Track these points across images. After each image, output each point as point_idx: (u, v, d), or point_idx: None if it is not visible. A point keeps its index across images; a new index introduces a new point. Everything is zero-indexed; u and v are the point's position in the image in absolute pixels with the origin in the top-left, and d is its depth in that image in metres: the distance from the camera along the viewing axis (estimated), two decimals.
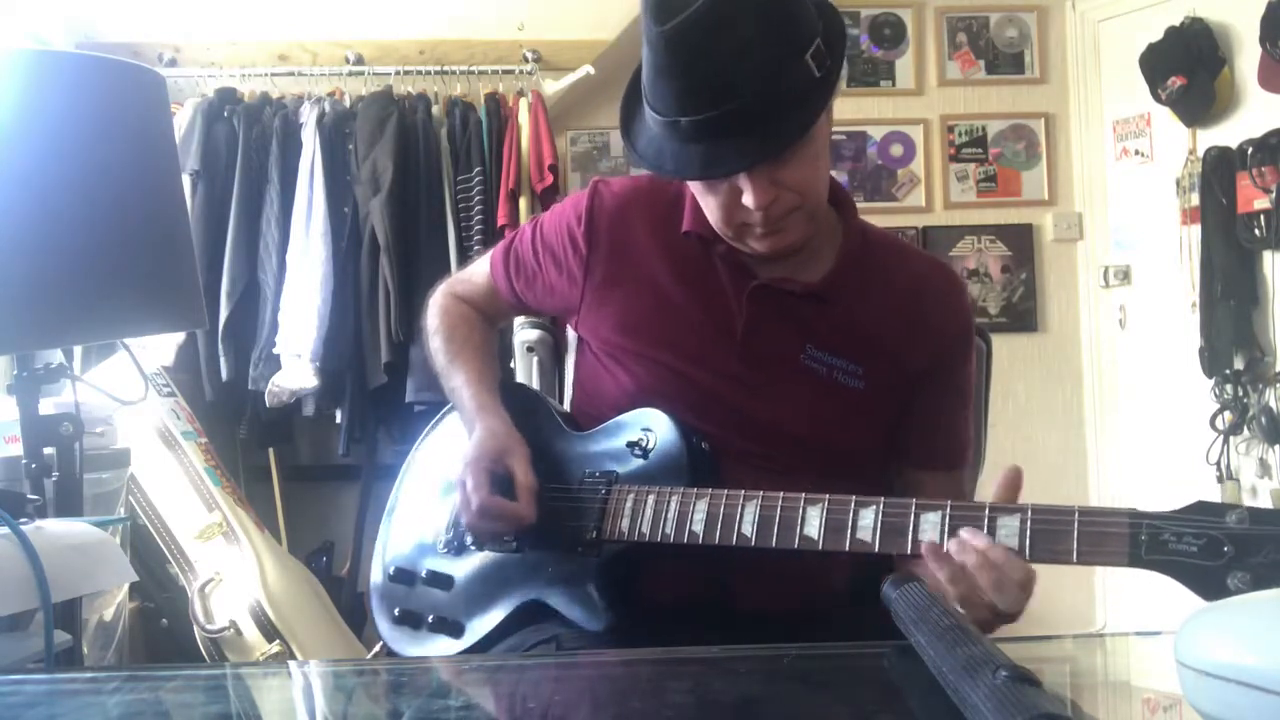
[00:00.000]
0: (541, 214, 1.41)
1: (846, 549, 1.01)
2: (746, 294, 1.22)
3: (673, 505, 1.11)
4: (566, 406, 1.45)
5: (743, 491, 1.07)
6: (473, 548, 1.26)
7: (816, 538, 1.02)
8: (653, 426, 1.19)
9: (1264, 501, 3.27)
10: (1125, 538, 0.86)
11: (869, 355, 1.22)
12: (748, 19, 1.04)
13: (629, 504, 1.15)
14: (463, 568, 1.27)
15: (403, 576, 1.32)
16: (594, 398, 1.32)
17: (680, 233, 1.26)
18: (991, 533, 0.93)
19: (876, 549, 0.99)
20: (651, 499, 1.13)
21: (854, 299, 1.24)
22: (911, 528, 0.97)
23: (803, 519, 1.03)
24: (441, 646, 1.24)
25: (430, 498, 1.36)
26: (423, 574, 1.29)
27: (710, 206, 1.17)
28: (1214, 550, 0.82)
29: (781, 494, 1.05)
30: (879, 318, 1.24)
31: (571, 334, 1.44)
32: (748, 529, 1.06)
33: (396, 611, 1.29)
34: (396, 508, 1.41)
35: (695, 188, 1.19)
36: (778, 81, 1.05)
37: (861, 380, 1.21)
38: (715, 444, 1.19)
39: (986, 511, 0.94)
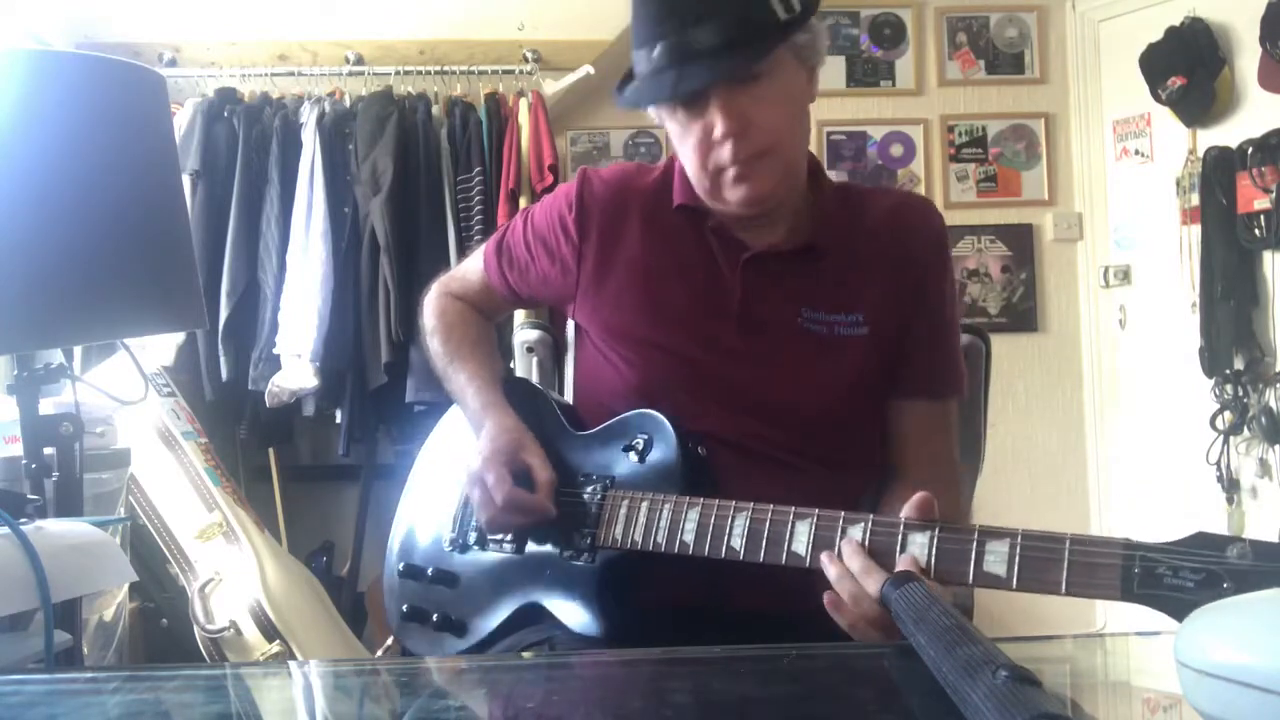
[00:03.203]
0: (531, 206, 1.42)
1: None
2: (741, 264, 1.25)
3: (665, 514, 1.11)
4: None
5: (734, 503, 1.07)
6: (476, 547, 1.27)
7: (804, 554, 1.01)
8: (650, 430, 1.19)
9: (1265, 503, 3.27)
10: (1117, 569, 0.82)
11: (867, 300, 1.25)
12: None
13: (623, 510, 1.15)
14: (466, 567, 1.28)
15: (412, 572, 1.33)
16: (596, 389, 1.32)
17: (670, 212, 1.28)
18: (979, 557, 0.91)
19: None
20: (645, 506, 1.13)
21: (842, 248, 1.27)
22: (899, 547, 0.95)
23: (791, 534, 1.02)
24: (447, 644, 1.25)
25: (438, 495, 1.37)
26: (430, 571, 1.30)
27: (687, 153, 1.20)
28: (1212, 585, 0.77)
29: (771, 507, 1.04)
30: (868, 259, 1.27)
31: (571, 328, 1.44)
32: (736, 542, 1.05)
33: (405, 607, 1.31)
34: (409, 501, 1.42)
35: (675, 137, 1.22)
36: (741, 12, 1.13)
37: (864, 326, 1.24)
38: (717, 427, 1.20)
39: (975, 534, 0.92)
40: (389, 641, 2.74)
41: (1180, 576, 0.79)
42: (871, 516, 0.99)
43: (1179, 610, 0.78)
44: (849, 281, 1.25)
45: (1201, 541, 0.79)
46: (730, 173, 1.18)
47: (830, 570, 0.97)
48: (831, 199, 1.30)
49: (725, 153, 1.16)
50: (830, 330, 1.23)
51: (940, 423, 1.17)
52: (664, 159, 1.33)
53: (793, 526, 1.02)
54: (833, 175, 1.39)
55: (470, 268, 1.47)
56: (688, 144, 1.20)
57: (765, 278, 1.25)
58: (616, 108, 1.26)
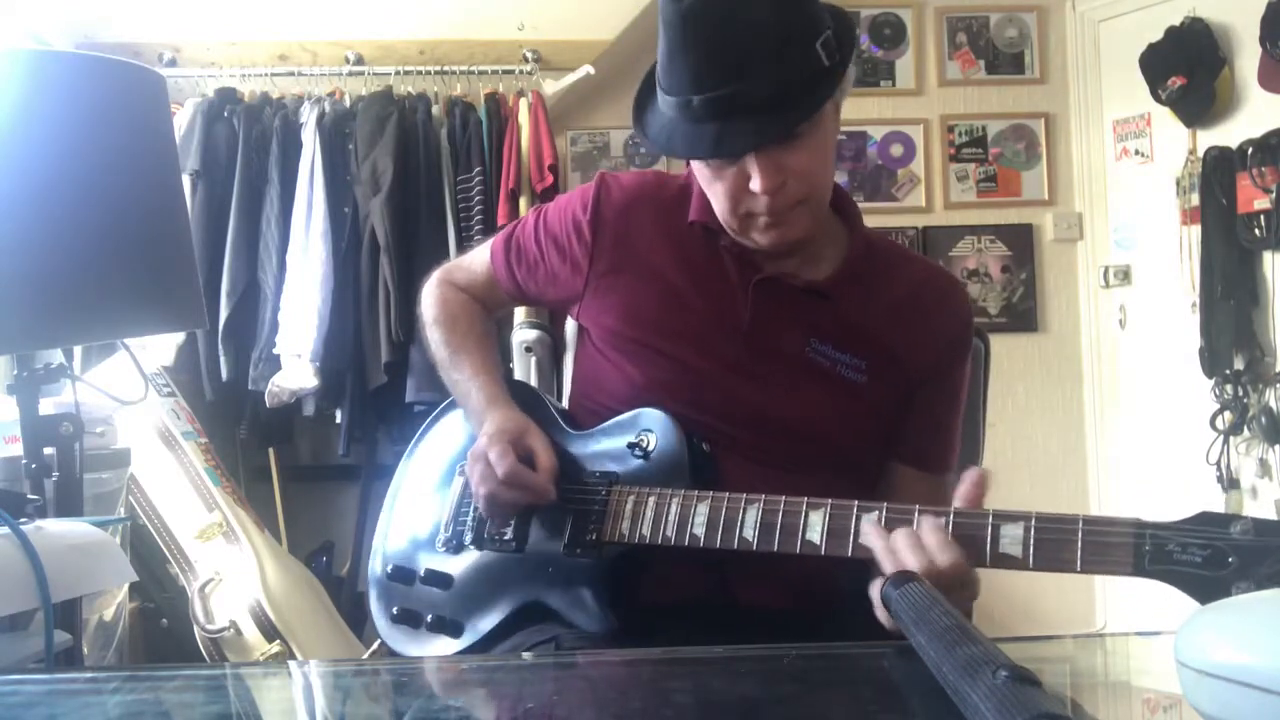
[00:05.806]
0: (544, 204, 1.41)
1: (849, 555, 1.00)
2: (752, 286, 1.23)
3: (673, 507, 1.11)
4: (565, 404, 1.45)
5: (744, 495, 1.07)
6: (471, 547, 1.26)
7: (818, 543, 1.01)
8: (653, 427, 1.19)
9: (1265, 502, 3.27)
10: (1129, 547, 0.86)
11: (871, 351, 1.23)
12: (761, 2, 1.07)
13: (629, 506, 1.14)
14: (461, 567, 1.26)
15: (401, 574, 1.31)
16: (596, 390, 1.32)
17: (686, 226, 1.27)
18: (995, 540, 0.93)
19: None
20: (652, 501, 1.13)
21: (857, 299, 1.25)
22: None
23: (805, 524, 1.02)
24: (440, 646, 1.24)
25: (428, 495, 1.36)
26: (421, 572, 1.29)
27: (717, 194, 1.17)
28: (1218, 561, 0.81)
29: (784, 498, 1.05)
30: (882, 318, 1.25)
31: (570, 329, 1.43)
32: (749, 533, 1.05)
33: (395, 610, 1.29)
34: (395, 504, 1.40)
35: (702, 176, 1.20)
36: (789, 64, 1.08)
37: (864, 374, 1.23)
38: (716, 437, 1.19)
39: (990, 518, 0.94)
40: (375, 645, 2.73)
41: (1189, 552, 0.83)
42: (885, 505, 1.00)
43: (1187, 584, 0.83)
44: (856, 328, 1.24)
45: (1207, 519, 0.84)
46: (763, 220, 1.17)
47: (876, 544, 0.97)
48: (857, 248, 1.28)
49: (760, 204, 1.14)
50: (834, 366, 1.23)
51: (923, 489, 1.17)
52: (683, 171, 1.31)
53: (806, 517, 1.03)
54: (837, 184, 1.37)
55: (476, 259, 1.45)
56: (717, 187, 1.17)
57: (776, 302, 1.23)
58: (649, 150, 1.22)
